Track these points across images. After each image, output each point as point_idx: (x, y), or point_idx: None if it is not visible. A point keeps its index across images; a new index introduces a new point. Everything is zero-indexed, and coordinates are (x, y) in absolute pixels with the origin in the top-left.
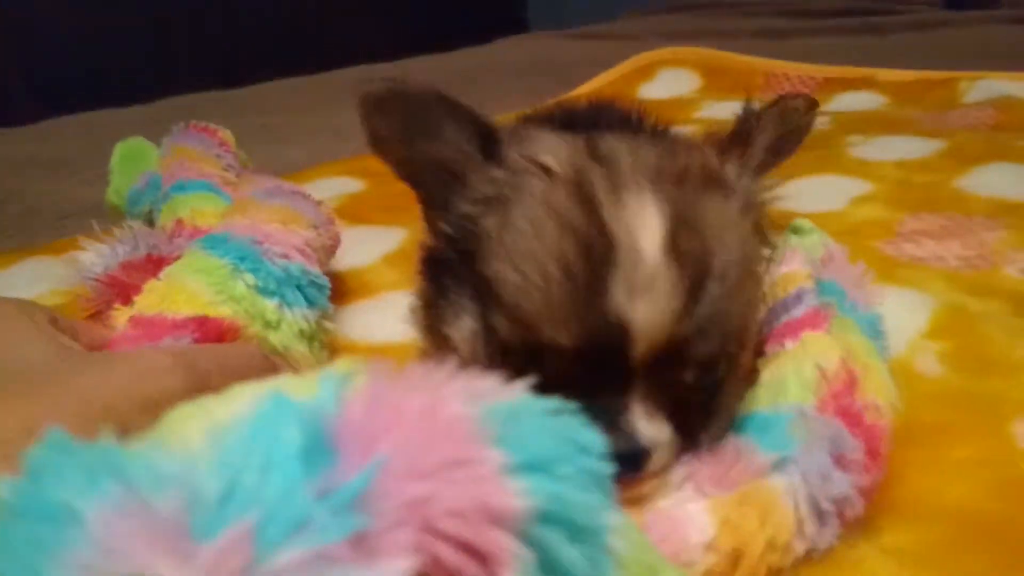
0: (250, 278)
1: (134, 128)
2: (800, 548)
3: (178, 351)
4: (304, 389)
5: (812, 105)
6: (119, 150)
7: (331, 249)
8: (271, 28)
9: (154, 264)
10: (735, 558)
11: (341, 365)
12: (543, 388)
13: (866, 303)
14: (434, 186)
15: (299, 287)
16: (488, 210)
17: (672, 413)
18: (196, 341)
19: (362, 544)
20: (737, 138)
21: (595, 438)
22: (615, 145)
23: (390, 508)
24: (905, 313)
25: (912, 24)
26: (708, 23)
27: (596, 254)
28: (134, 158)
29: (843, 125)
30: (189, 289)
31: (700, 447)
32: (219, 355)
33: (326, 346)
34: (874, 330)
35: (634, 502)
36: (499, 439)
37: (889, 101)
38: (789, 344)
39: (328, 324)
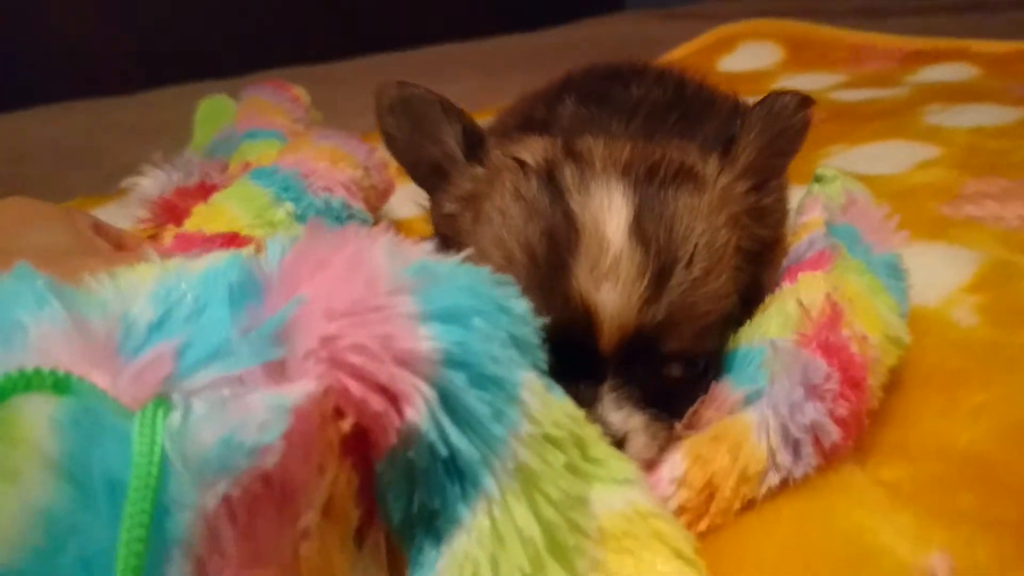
0: (290, 206)
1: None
2: (775, 478)
3: None
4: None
5: (803, 103)
6: (202, 107)
7: (383, 192)
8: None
9: (206, 191)
10: (708, 492)
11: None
12: None
13: (885, 245)
14: (431, 185)
15: (338, 219)
16: (467, 206)
17: (651, 403)
18: None
19: (275, 371)
20: (722, 137)
21: (521, 305)
22: (591, 143)
23: (304, 342)
24: (949, 268)
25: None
26: (803, 2)
27: (560, 239)
28: (215, 114)
29: (923, 95)
30: (230, 213)
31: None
32: None
33: None
34: (891, 271)
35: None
36: (416, 290)
37: (981, 73)
38: (786, 285)
39: None
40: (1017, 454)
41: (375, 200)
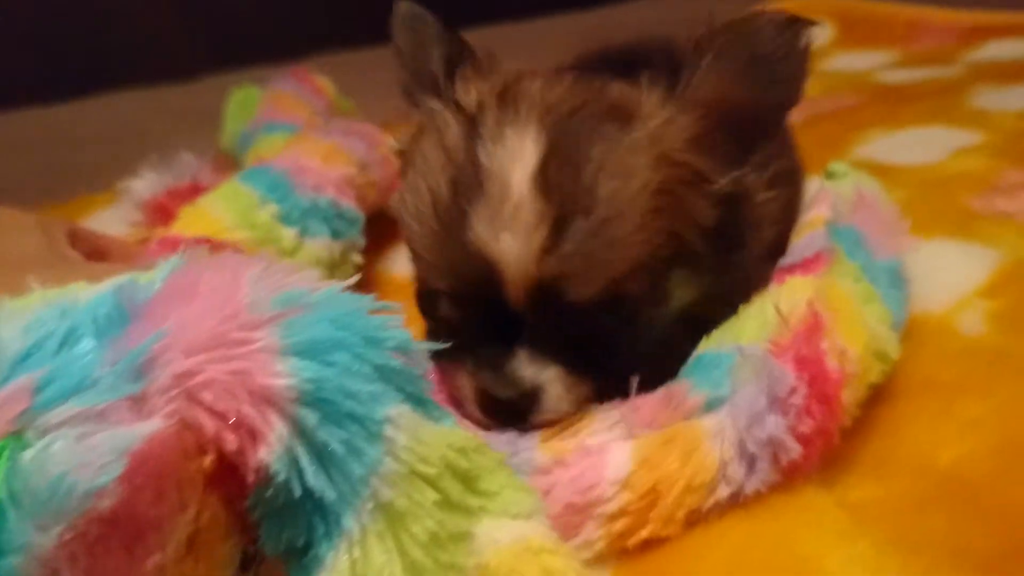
0: (274, 208)
1: None
2: (724, 491)
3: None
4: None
5: (789, 24)
6: (233, 98)
7: (384, 189)
8: None
9: (196, 192)
10: (652, 498)
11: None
12: (439, 335)
13: (893, 249)
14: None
15: (326, 219)
16: (412, 144)
17: (571, 355)
18: None
19: (140, 406)
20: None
21: (396, 334)
22: (528, 84)
23: (161, 377)
24: (965, 268)
25: None
26: None
27: (464, 188)
28: (246, 105)
29: (976, 74)
30: (212, 214)
31: (625, 390)
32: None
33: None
34: (891, 278)
35: (556, 436)
36: (279, 323)
37: None
38: (773, 287)
39: (356, 257)
40: (1002, 475)
41: (375, 197)
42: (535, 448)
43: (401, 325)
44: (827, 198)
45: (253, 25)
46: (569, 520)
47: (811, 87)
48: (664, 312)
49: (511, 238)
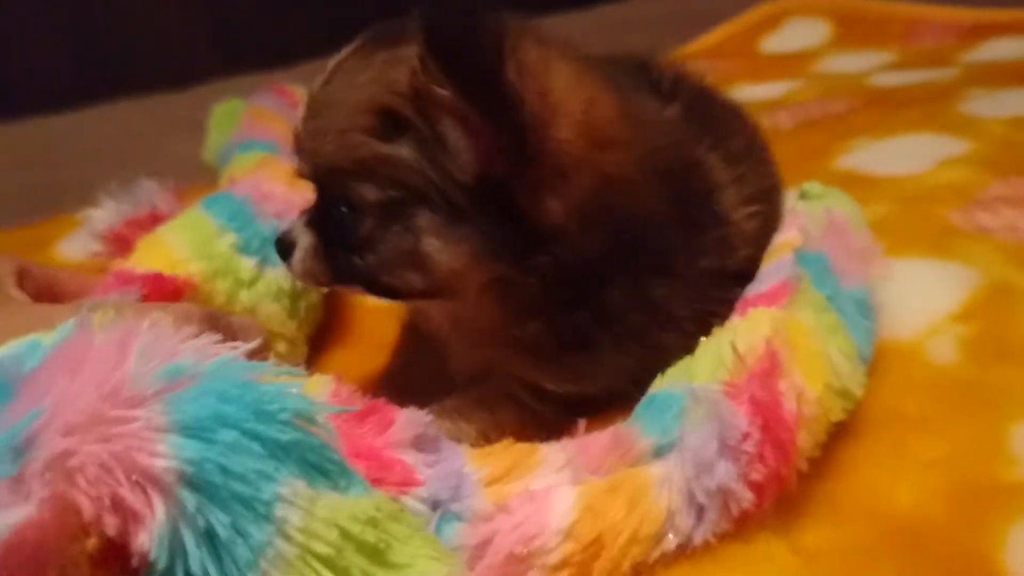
0: (233, 237)
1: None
2: (671, 542)
3: (109, 303)
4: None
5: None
6: (216, 111)
7: None
8: None
9: (156, 221)
10: (596, 548)
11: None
12: None
13: (861, 278)
14: None
15: None
16: None
17: (321, 230)
18: (145, 297)
19: (18, 487)
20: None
21: (286, 404)
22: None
23: (39, 458)
24: (939, 290)
25: None
26: None
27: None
28: (228, 118)
29: (970, 77)
30: (167, 246)
31: (344, 276)
32: (147, 310)
33: (316, 307)
34: (859, 308)
35: (502, 480)
36: (162, 399)
37: None
38: (735, 319)
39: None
40: (956, 521)
41: None
42: (479, 493)
43: (302, 390)
44: (797, 221)
45: (253, 29)
46: (510, 571)
47: (805, 91)
48: (404, 240)
49: (298, 115)
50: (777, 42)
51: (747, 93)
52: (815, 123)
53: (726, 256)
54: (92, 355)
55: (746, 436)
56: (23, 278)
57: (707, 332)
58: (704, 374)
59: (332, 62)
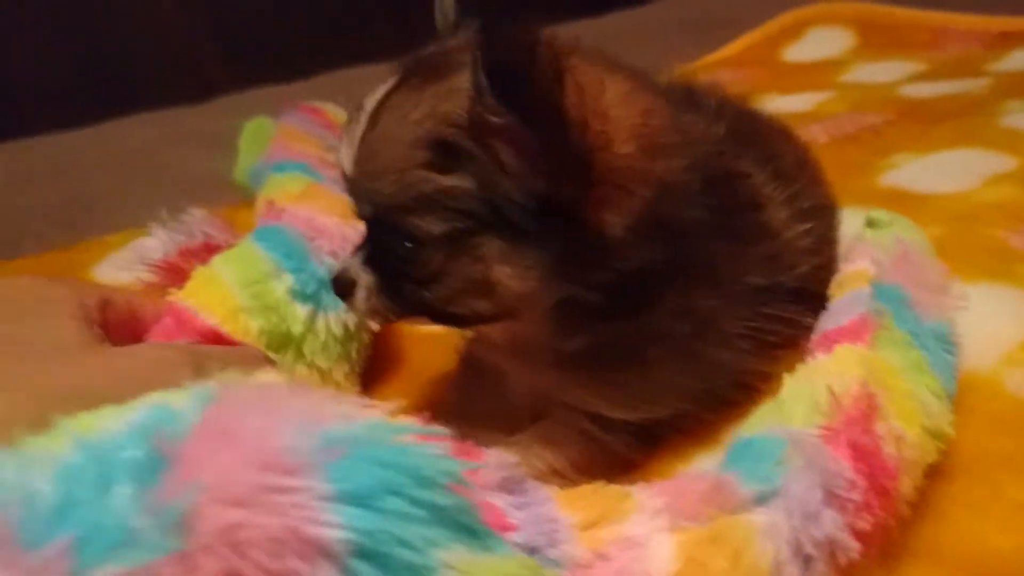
0: (289, 280)
1: (295, 103)
2: None
3: (189, 349)
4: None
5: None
6: (246, 130)
7: None
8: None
9: (210, 251)
10: None
11: (221, 379)
12: None
13: (938, 312)
14: None
15: None
16: None
17: (382, 269)
18: None
19: (186, 562)
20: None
21: (442, 468)
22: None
23: (204, 532)
24: (1009, 318)
25: None
26: None
27: (347, 123)
28: (258, 137)
29: (1005, 88)
30: (224, 287)
31: (410, 309)
32: (226, 355)
33: (367, 346)
34: (941, 343)
35: (596, 524)
36: (324, 467)
37: None
38: (820, 356)
39: (373, 324)
40: None
41: None
42: (574, 539)
43: (448, 451)
44: (868, 251)
45: (260, 43)
46: None
47: (835, 103)
48: (474, 270)
49: (348, 164)
50: (799, 51)
51: (775, 105)
52: (851, 137)
53: (779, 272)
54: (246, 425)
55: (852, 485)
56: (106, 309)
57: (763, 352)
58: (799, 417)
59: (372, 100)
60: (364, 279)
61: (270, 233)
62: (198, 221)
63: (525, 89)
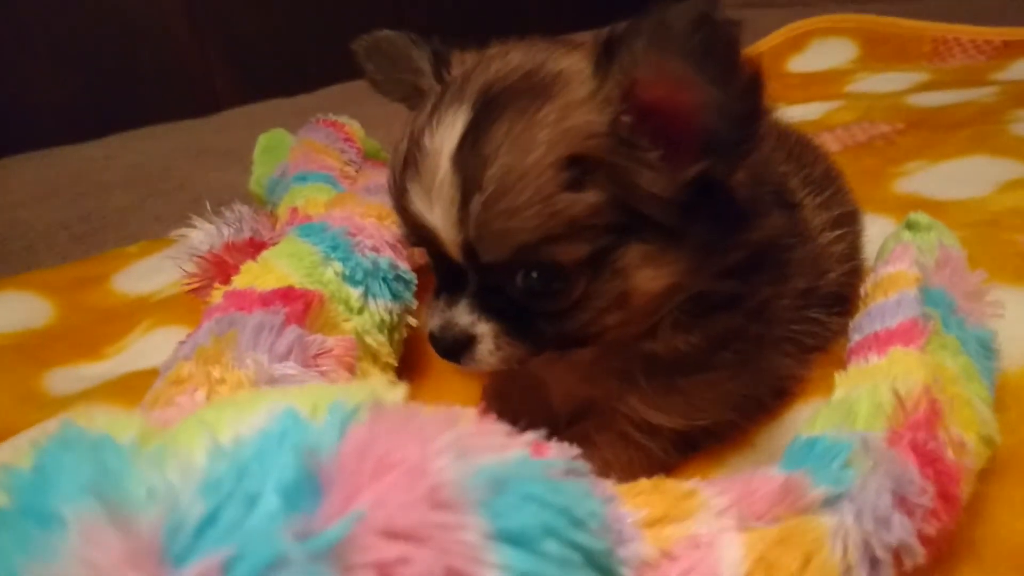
0: (338, 266)
1: (304, 115)
2: None
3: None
4: (313, 403)
5: (699, 22)
6: (261, 142)
7: None
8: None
9: (255, 247)
10: None
11: (356, 392)
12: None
13: (979, 318)
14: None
15: (385, 280)
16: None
17: (506, 315)
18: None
19: None
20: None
21: (593, 509)
22: (485, 60)
23: (362, 564)
24: None
25: None
26: None
27: (407, 167)
28: (274, 149)
29: (1012, 97)
30: (280, 271)
31: (547, 347)
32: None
33: (400, 343)
34: (984, 350)
35: (661, 522)
36: (484, 504)
37: None
38: (874, 359)
39: (411, 319)
40: None
41: (420, 255)
42: (640, 537)
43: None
44: (909, 253)
45: (267, 56)
46: None
47: (843, 112)
48: (614, 285)
49: (437, 210)
50: (804, 62)
51: (784, 115)
52: (863, 146)
53: (817, 276)
54: (402, 454)
55: (923, 490)
56: None
57: (801, 356)
58: (864, 419)
59: (438, 142)
60: (483, 329)
61: (314, 229)
62: (246, 217)
63: (713, 55)
